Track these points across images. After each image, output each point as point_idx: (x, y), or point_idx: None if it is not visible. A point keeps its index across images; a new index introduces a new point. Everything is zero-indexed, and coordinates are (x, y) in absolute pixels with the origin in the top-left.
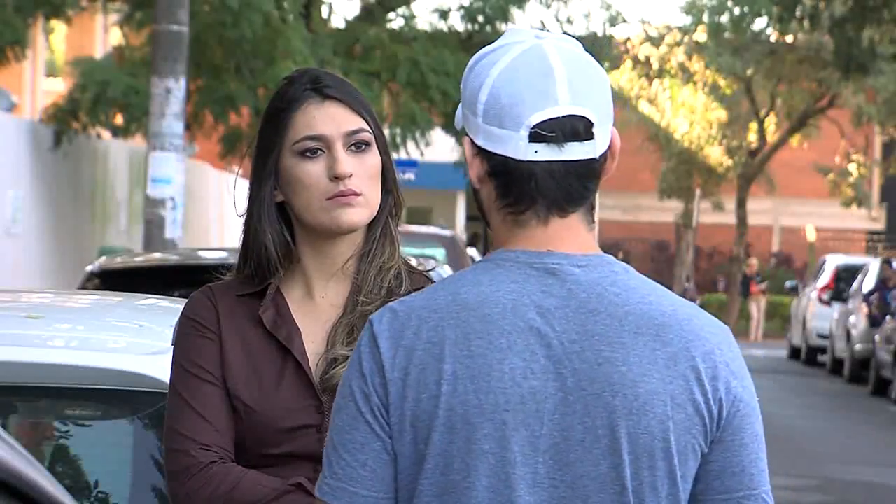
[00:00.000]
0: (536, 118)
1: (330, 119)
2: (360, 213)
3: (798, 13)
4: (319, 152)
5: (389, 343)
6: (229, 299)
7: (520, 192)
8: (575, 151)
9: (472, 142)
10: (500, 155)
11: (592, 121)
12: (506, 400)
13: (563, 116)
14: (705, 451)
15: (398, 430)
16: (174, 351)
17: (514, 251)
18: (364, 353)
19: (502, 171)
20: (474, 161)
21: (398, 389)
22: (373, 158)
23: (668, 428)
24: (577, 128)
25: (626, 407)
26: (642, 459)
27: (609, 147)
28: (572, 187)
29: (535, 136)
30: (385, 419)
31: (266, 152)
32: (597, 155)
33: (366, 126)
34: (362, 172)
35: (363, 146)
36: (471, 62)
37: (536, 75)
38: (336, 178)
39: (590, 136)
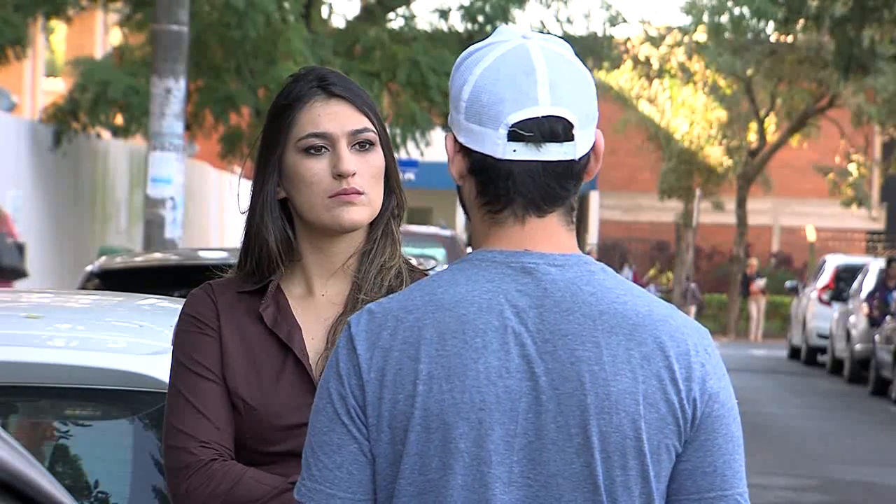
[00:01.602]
0: (515, 117)
1: (335, 117)
2: (362, 211)
3: (802, 14)
4: (324, 150)
5: (366, 344)
6: (229, 296)
7: (497, 191)
8: (553, 152)
9: (455, 139)
10: (479, 153)
11: (572, 122)
12: (481, 399)
13: (543, 117)
14: (679, 451)
15: (375, 432)
16: (174, 348)
17: (491, 251)
18: (341, 355)
19: (481, 168)
20: (455, 158)
21: (375, 390)
22: (376, 158)
23: (640, 427)
24: (556, 129)
25: (598, 406)
26: (614, 458)
27: (593, 149)
28: (550, 187)
29: (514, 135)
30: (362, 421)
31: (270, 149)
32: (576, 157)
33: (370, 126)
34: (365, 172)
35: (367, 145)
36: (458, 60)
37: (518, 75)
38: (339, 175)
39: (569, 138)
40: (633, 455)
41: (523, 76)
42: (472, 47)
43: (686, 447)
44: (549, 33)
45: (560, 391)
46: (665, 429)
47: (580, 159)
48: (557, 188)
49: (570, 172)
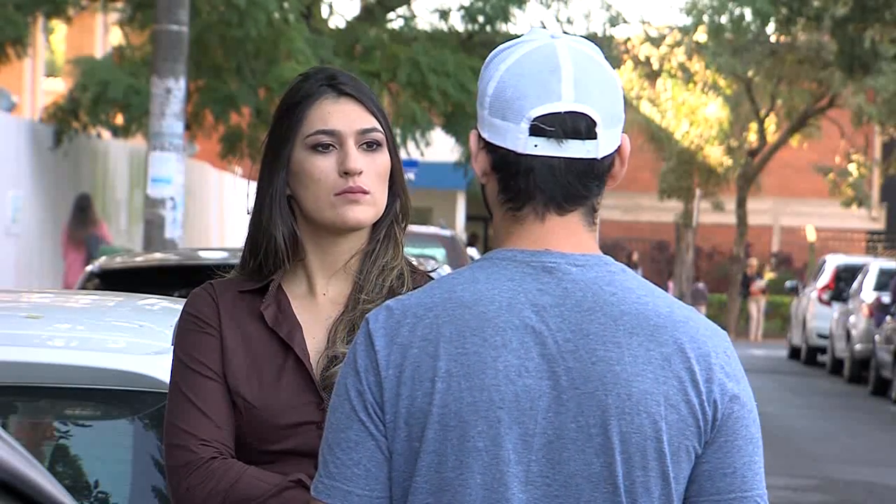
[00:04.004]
0: (537, 112)
1: (344, 115)
2: (367, 211)
3: (803, 14)
4: (331, 148)
5: (385, 341)
6: (231, 295)
7: (518, 186)
8: (575, 149)
9: (479, 135)
10: (502, 148)
11: (595, 120)
12: (500, 397)
13: (565, 112)
14: (699, 452)
15: (392, 428)
16: (175, 346)
17: (512, 250)
18: (359, 351)
19: (503, 164)
20: (479, 154)
21: (393, 387)
22: (383, 159)
23: (661, 428)
24: (579, 126)
25: (619, 406)
26: (635, 459)
27: (618, 151)
28: (571, 185)
29: (535, 129)
30: (379, 417)
31: (279, 145)
32: (598, 156)
33: (379, 126)
34: (372, 171)
35: (375, 146)
36: (487, 59)
37: (543, 71)
38: (346, 173)
39: (592, 136)
40: (653, 456)
41: (548, 72)
42: (501, 46)
43: (706, 449)
44: (564, 33)
45: (581, 391)
46: (686, 430)
47: (603, 159)
48: (579, 186)
49: (593, 172)
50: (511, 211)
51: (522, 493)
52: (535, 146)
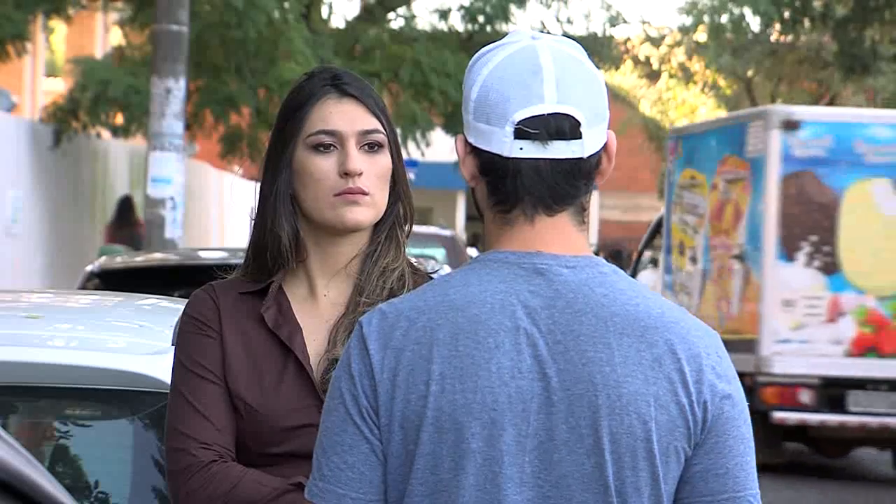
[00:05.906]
0: (521, 115)
1: (346, 116)
2: (366, 212)
3: (807, 14)
4: (332, 148)
5: (378, 344)
6: (231, 297)
7: (506, 189)
8: (560, 150)
9: (465, 140)
10: (488, 152)
11: (579, 120)
12: (493, 399)
13: (549, 114)
14: (689, 453)
15: (387, 431)
16: (176, 349)
17: (504, 252)
18: (353, 355)
19: (490, 168)
20: (466, 159)
21: (387, 390)
22: (384, 160)
23: (651, 429)
24: (563, 126)
25: (609, 406)
26: (625, 459)
27: (604, 148)
28: (559, 186)
29: (520, 132)
30: (374, 421)
31: (282, 145)
32: (584, 155)
33: (380, 128)
34: (372, 173)
35: (376, 147)
36: (470, 62)
37: (524, 73)
38: (346, 174)
39: (576, 136)
40: (643, 456)
41: (530, 74)
42: (483, 49)
43: (697, 450)
44: (564, 34)
45: (571, 392)
46: (675, 431)
47: (589, 158)
48: (566, 186)
49: (579, 171)
50: (501, 213)
51: (516, 494)
52: (521, 149)
